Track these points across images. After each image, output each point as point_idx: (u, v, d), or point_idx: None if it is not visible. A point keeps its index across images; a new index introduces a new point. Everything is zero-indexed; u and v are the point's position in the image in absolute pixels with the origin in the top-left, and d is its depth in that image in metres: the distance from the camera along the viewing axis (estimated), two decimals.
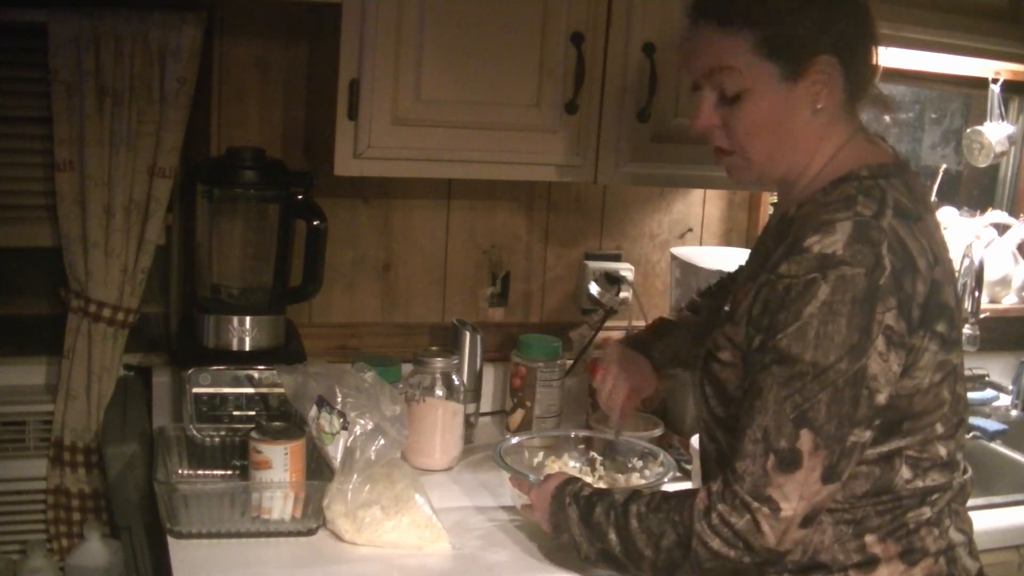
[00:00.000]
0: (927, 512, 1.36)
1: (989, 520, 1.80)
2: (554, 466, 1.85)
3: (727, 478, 1.31)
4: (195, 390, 1.79)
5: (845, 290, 1.24)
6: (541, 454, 1.87)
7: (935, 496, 1.37)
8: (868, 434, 1.29)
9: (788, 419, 1.26)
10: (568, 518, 1.46)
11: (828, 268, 1.24)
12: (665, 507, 1.37)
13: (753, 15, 1.32)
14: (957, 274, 2.30)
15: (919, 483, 1.35)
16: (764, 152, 1.38)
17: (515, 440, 1.87)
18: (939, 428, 1.36)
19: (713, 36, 1.35)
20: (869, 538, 1.34)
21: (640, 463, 1.84)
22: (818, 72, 1.33)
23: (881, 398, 1.27)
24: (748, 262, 1.52)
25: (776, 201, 2.47)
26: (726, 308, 1.42)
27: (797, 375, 1.26)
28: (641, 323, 2.30)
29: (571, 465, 1.87)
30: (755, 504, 1.28)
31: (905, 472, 1.34)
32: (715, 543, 1.30)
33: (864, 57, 1.38)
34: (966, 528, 1.43)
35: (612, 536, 1.40)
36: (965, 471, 1.43)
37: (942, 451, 1.37)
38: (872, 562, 1.34)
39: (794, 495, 1.27)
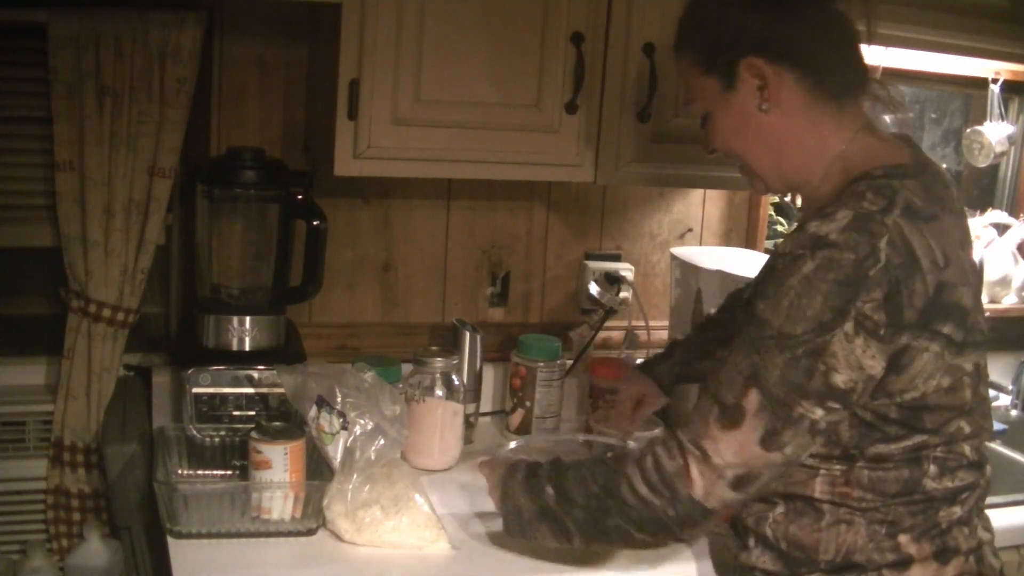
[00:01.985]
0: (958, 511, 1.37)
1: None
2: None
3: (672, 427, 1.35)
4: (195, 390, 1.79)
5: (828, 270, 1.24)
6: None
7: (965, 495, 1.38)
8: (820, 413, 1.28)
9: (741, 376, 1.29)
10: (516, 481, 1.50)
11: (817, 248, 1.26)
12: (605, 459, 1.41)
13: (686, 35, 1.44)
14: None
15: (948, 483, 1.36)
16: (746, 155, 1.43)
17: (513, 445, 1.86)
18: (965, 428, 1.36)
19: (677, 66, 1.47)
20: (903, 538, 1.35)
21: None
22: (749, 76, 1.37)
23: (838, 379, 1.26)
24: None
25: (777, 201, 2.50)
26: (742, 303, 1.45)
27: (762, 338, 1.28)
28: (641, 323, 2.30)
29: None
30: (689, 447, 1.31)
31: (933, 471, 1.35)
32: (643, 489, 1.34)
33: (828, 55, 1.38)
34: (989, 527, 1.45)
35: (548, 489, 1.43)
36: (988, 469, 1.44)
37: (968, 450, 1.37)
38: (906, 562, 1.34)
39: (728, 450, 1.29)
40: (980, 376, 1.38)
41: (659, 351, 1.96)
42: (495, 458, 1.64)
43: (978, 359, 1.37)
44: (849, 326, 1.25)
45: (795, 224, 1.57)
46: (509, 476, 1.52)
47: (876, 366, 1.27)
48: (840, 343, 1.25)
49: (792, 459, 1.32)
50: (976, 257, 2.29)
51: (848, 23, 1.39)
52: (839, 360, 1.26)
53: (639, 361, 2.26)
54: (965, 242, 1.40)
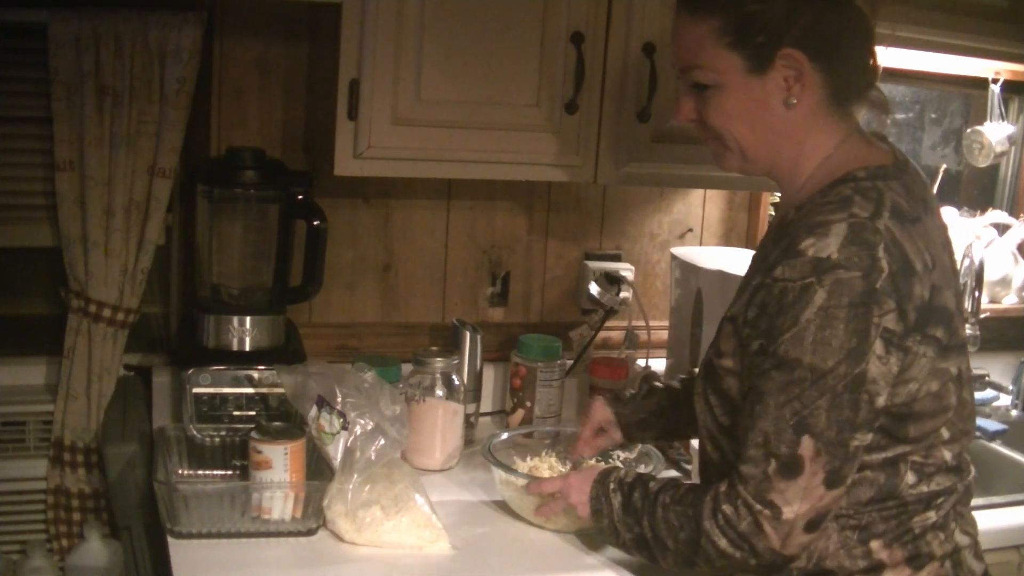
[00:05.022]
0: (932, 516, 1.35)
1: (989, 520, 1.80)
2: (540, 464, 1.85)
3: (732, 480, 1.32)
4: (195, 390, 1.79)
5: (841, 294, 1.23)
6: (513, 453, 1.87)
7: (940, 500, 1.36)
8: (870, 436, 1.29)
9: (788, 425, 1.26)
10: (611, 504, 1.47)
11: (823, 272, 1.24)
12: (684, 501, 1.38)
13: (718, 1, 1.34)
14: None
15: (924, 488, 1.35)
16: (744, 140, 1.38)
17: (504, 436, 1.87)
18: (944, 433, 1.35)
19: (687, 26, 1.38)
20: (875, 544, 1.34)
21: (621, 454, 1.85)
22: (785, 66, 1.33)
23: (880, 400, 1.27)
24: (748, 270, 1.53)
25: (777, 203, 2.50)
26: (726, 315, 1.42)
27: (796, 380, 1.26)
28: (641, 323, 2.30)
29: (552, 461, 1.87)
30: (757, 507, 1.29)
31: (910, 477, 1.34)
32: (722, 543, 1.32)
33: (852, 59, 1.37)
34: (971, 530, 1.43)
35: (645, 522, 1.42)
36: (969, 472, 1.43)
37: (947, 455, 1.36)
38: (878, 568, 1.34)
39: (796, 499, 1.27)
40: (963, 381, 1.37)
41: (636, 391, 1.90)
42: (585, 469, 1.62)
43: (960, 363, 1.37)
44: (879, 346, 1.24)
45: (774, 219, 1.54)
46: (601, 494, 1.49)
47: (897, 372, 1.28)
48: (876, 367, 1.25)
49: (850, 487, 1.31)
50: (976, 257, 2.31)
51: (869, 25, 1.37)
52: (880, 384, 1.26)
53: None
54: (946, 243, 1.40)
